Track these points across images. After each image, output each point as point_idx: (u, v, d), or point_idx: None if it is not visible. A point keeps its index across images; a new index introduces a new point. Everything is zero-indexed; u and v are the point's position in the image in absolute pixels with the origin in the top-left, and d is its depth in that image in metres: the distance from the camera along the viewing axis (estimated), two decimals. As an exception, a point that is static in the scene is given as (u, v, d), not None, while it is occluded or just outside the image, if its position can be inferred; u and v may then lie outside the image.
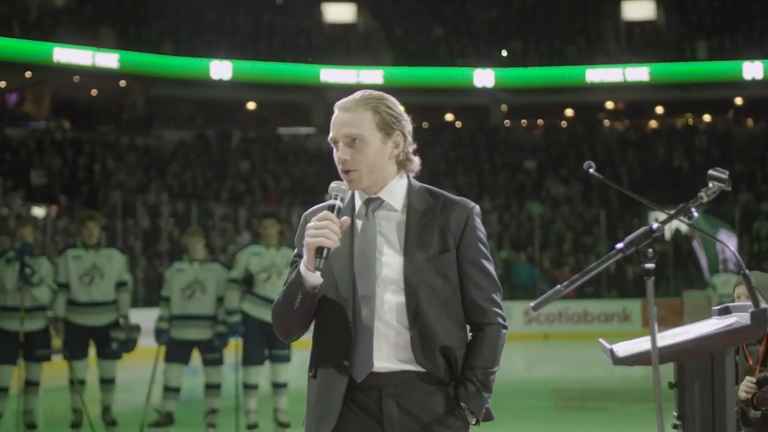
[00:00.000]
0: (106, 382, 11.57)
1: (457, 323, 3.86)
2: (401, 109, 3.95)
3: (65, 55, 36.47)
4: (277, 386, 11.75)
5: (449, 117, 44.06)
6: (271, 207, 30.71)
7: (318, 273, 3.73)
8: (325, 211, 3.75)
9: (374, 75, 39.64)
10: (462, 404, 3.80)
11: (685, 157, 38.53)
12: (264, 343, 11.60)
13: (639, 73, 40.77)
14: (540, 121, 44.45)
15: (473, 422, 3.84)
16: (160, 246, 28.24)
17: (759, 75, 39.92)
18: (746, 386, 6.25)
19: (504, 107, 43.09)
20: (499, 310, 3.91)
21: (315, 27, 42.93)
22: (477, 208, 3.94)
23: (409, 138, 3.95)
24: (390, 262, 3.81)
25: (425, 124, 42.13)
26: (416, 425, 3.78)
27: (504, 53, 42.16)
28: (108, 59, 37.19)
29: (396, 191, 3.90)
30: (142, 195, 30.83)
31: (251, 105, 43.46)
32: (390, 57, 40.71)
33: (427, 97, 40.33)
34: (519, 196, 35.86)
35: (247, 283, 11.51)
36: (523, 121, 44.80)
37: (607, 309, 29.02)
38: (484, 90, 41.24)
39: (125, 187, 31.86)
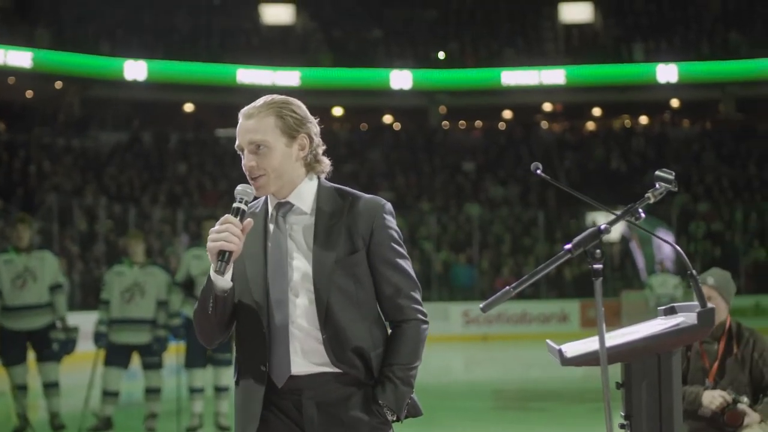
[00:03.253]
0: (50, 387, 11.45)
1: (374, 323, 3.89)
2: (306, 111, 3.98)
3: (0, 56, 36.04)
4: (219, 390, 11.72)
5: (388, 119, 44.09)
6: (209, 209, 30.60)
7: (227, 276, 3.77)
8: (226, 215, 3.78)
9: (291, 76, 39.45)
10: (380, 402, 3.81)
11: (622, 159, 38.83)
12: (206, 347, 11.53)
13: (576, 74, 40.98)
14: (478, 123, 44.59)
15: (393, 419, 3.85)
16: (97, 249, 27.99)
17: (673, 78, 40.38)
18: (720, 398, 6.29)
19: (442, 109, 43.16)
20: (417, 306, 3.91)
21: (253, 28, 42.76)
22: (387, 206, 3.94)
23: (317, 139, 3.97)
24: (300, 266, 3.84)
25: (364, 126, 42.18)
26: (336, 426, 3.81)
27: (442, 55, 42.23)
28: (43, 61, 36.79)
29: (305, 194, 3.92)
30: (79, 197, 30.54)
31: (188, 107, 43.20)
32: (329, 58, 40.64)
33: (365, 99, 40.35)
34: (457, 198, 35.93)
35: (188, 286, 11.44)
36: (462, 122, 44.91)
37: (545, 310, 29.16)
38: (422, 92, 41.31)
39: (61, 190, 31.53)
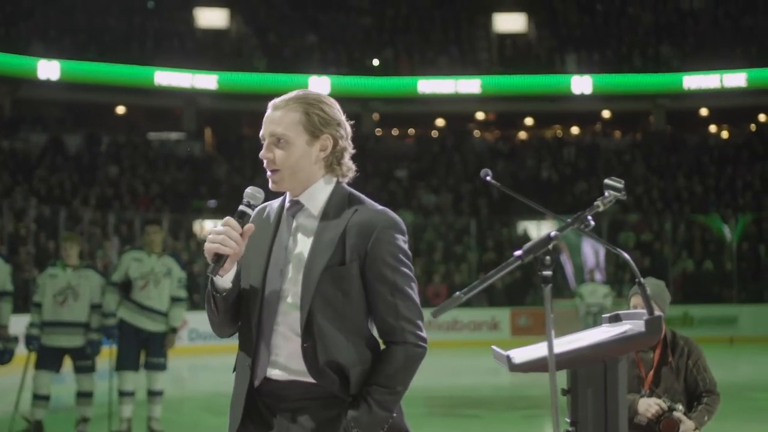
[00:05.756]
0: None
1: (359, 339, 3.78)
2: (337, 113, 3.91)
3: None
4: (152, 394, 11.61)
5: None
6: (140, 213, 30.41)
7: (226, 278, 3.76)
8: (227, 218, 3.73)
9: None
10: (351, 423, 3.70)
11: (553, 169, 39.10)
12: (139, 350, 11.46)
13: (492, 84, 41.13)
14: (411, 131, 44.69)
15: None
16: (26, 251, 27.67)
17: (605, 90, 40.81)
18: (655, 406, 6.36)
19: (375, 116, 43.20)
20: (413, 329, 3.77)
21: (187, 32, 42.52)
22: (394, 221, 3.81)
23: (343, 143, 3.89)
24: (295, 268, 3.79)
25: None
26: None
27: (376, 62, 42.28)
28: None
29: (317, 196, 3.85)
30: (8, 199, 30.19)
31: (120, 109, 42.85)
32: (263, 63, 40.52)
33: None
34: (390, 205, 34.90)
35: (124, 288, 11.35)
36: (395, 130, 45.00)
37: (476, 317, 29.25)
38: (356, 98, 41.33)
39: (-10, 191, 31.19)
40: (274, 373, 3.77)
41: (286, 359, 3.76)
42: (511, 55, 43.59)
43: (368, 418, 3.70)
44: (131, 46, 39.88)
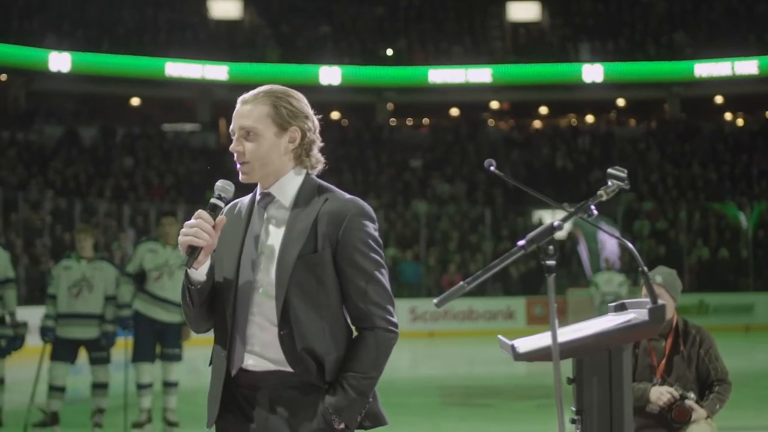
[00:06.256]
0: (-5, 383, 11.38)
1: (335, 326, 3.83)
2: (304, 106, 3.98)
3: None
4: (168, 385, 11.64)
5: (335, 115, 44.07)
6: (155, 204, 30.47)
7: (201, 270, 3.82)
8: (200, 210, 3.80)
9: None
10: (328, 409, 3.76)
11: (567, 158, 39.05)
12: (154, 341, 11.50)
13: (503, 73, 41.11)
14: (425, 120, 44.68)
15: (339, 427, 3.77)
16: (42, 243, 27.78)
17: (618, 78, 40.74)
18: (667, 394, 6.38)
19: (390, 106, 43.20)
20: (383, 314, 3.83)
21: (200, 23, 42.58)
22: (363, 209, 3.89)
23: (310, 135, 3.97)
24: (268, 259, 3.84)
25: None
26: (284, 427, 3.79)
27: (389, 52, 42.28)
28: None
29: (287, 187, 3.92)
30: (24, 191, 30.29)
31: (135, 101, 42.97)
32: (276, 54, 40.55)
33: (312, 95, 40.17)
34: (405, 195, 35.99)
35: (139, 279, 11.39)
36: (409, 119, 44.99)
37: (491, 307, 29.27)
38: (369, 89, 41.35)
39: (6, 183, 31.28)
40: (250, 363, 3.82)
41: (261, 348, 3.81)
42: (524, 44, 43.54)
43: (345, 404, 3.76)
44: (144, 38, 39.96)
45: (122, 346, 12.00)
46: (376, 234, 3.90)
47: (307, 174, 3.97)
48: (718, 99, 43.64)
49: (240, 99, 3.95)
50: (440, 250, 32.37)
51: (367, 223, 3.88)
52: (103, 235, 28.39)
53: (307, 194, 3.91)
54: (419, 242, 32.05)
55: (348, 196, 3.95)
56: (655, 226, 33.38)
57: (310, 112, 4.00)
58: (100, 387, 11.58)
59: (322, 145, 4.05)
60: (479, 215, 33.76)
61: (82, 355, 11.63)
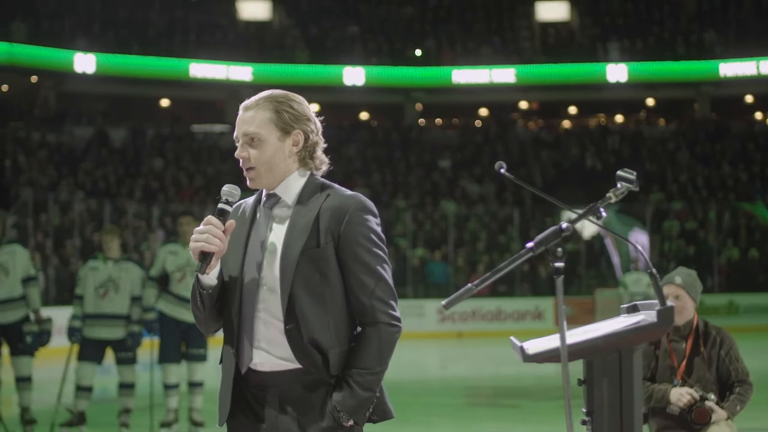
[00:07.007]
0: (22, 381, 11.43)
1: (341, 321, 3.87)
2: (306, 109, 4.02)
3: (-25, 50, 35.90)
4: (193, 385, 11.70)
5: (364, 116, 44.12)
6: (185, 205, 30.56)
7: (211, 275, 3.88)
8: (209, 216, 3.87)
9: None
10: (335, 405, 3.80)
11: (597, 157, 38.96)
12: (179, 342, 11.56)
13: (525, 73, 41.04)
14: (454, 121, 44.65)
15: (348, 424, 3.80)
16: (72, 244, 27.94)
17: (648, 77, 40.57)
18: (687, 395, 6.38)
19: (419, 106, 43.20)
20: (386, 309, 3.86)
21: (229, 24, 42.70)
22: (366, 204, 3.92)
23: (314, 137, 4.01)
24: (273, 256, 3.89)
25: (340, 123, 42.19)
26: (294, 426, 3.84)
27: (418, 53, 42.28)
28: (19, 54, 36.59)
29: (292, 187, 3.96)
30: (54, 192, 30.47)
31: (164, 102, 43.15)
32: (305, 55, 40.61)
33: (341, 96, 40.28)
34: (433, 195, 35.98)
35: (162, 281, 11.46)
36: (438, 120, 44.98)
37: (520, 307, 29.25)
38: (397, 89, 41.37)
39: (36, 184, 31.47)
40: (258, 361, 3.88)
41: (268, 345, 3.87)
42: (553, 43, 43.46)
43: (352, 401, 3.79)
44: (173, 39, 40.11)
45: (148, 347, 12.06)
46: (379, 229, 3.93)
47: (311, 174, 4.02)
48: (748, 98, 43.43)
49: (242, 106, 4.01)
50: (468, 250, 32.36)
51: (369, 217, 3.91)
52: (132, 236, 28.54)
53: (309, 192, 3.95)
54: (447, 243, 32.05)
55: (350, 192, 3.99)
56: (684, 226, 33.25)
57: (312, 115, 4.03)
58: (126, 387, 11.65)
59: (325, 146, 4.08)
60: (508, 216, 33.72)
61: (109, 355, 11.70)
